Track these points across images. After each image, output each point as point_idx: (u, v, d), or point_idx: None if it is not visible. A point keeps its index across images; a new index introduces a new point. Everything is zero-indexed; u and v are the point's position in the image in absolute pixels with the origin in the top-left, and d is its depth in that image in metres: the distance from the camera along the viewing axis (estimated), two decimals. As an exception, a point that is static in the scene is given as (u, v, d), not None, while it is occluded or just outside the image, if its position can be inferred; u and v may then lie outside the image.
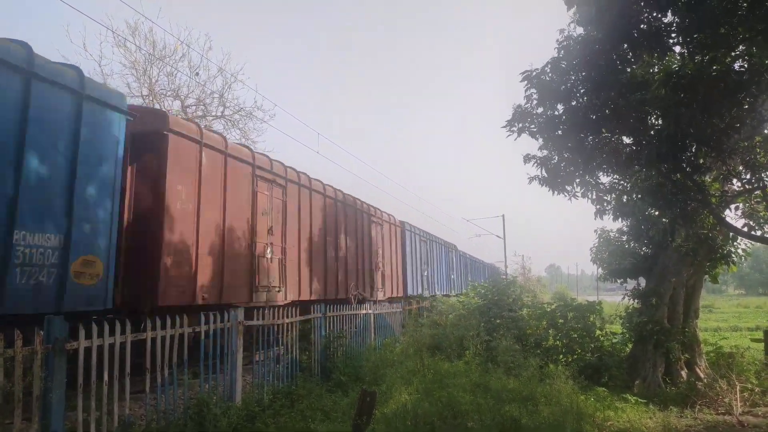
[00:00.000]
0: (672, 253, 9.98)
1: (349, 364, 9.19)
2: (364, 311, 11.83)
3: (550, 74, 6.92)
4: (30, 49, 6.08)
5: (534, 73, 7.00)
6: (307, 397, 7.32)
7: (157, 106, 18.42)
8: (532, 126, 7.33)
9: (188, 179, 8.51)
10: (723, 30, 5.57)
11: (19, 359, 4.01)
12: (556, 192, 7.64)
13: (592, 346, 10.76)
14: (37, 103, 6.02)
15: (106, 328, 4.96)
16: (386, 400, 6.81)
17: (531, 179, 7.83)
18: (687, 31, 5.75)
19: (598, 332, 11.16)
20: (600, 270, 12.14)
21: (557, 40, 6.91)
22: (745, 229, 8.76)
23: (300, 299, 11.66)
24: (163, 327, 5.73)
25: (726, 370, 8.65)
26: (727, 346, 11.08)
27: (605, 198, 7.96)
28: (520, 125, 7.37)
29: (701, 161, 6.99)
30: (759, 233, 8.82)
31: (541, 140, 7.53)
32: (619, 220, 10.64)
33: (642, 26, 5.90)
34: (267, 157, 11.41)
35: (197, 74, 20.59)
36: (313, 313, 9.37)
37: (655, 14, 5.96)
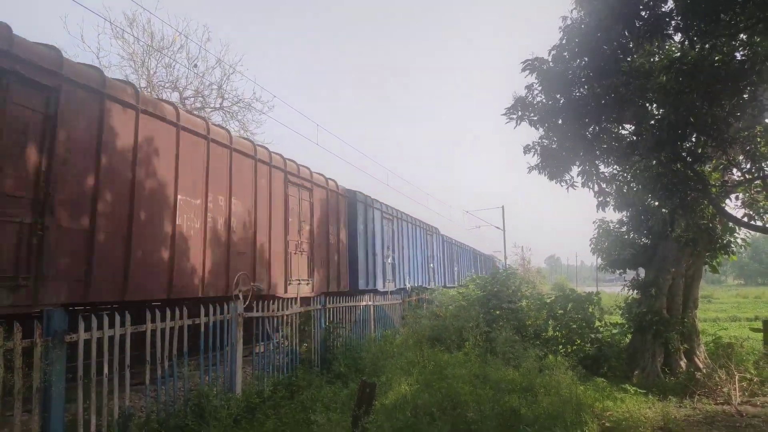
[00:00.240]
0: (671, 244, 9.96)
1: (349, 356, 9.23)
2: (363, 303, 11.85)
3: (551, 63, 6.87)
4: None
5: (536, 63, 6.94)
6: (308, 389, 7.34)
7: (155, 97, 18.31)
8: (533, 114, 7.29)
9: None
10: (723, 18, 5.52)
11: (19, 351, 4.01)
12: (555, 180, 7.61)
13: (592, 336, 10.78)
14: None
15: (106, 320, 4.97)
16: (386, 391, 6.82)
17: (531, 168, 7.80)
18: (687, 18, 5.69)
19: (597, 323, 11.18)
20: (599, 260, 12.12)
21: (560, 27, 6.84)
22: (745, 219, 8.73)
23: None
24: (163, 319, 5.74)
25: (725, 360, 8.66)
26: (726, 336, 11.10)
27: (606, 189, 7.92)
28: (520, 113, 7.33)
29: (701, 150, 6.95)
30: (759, 223, 8.80)
31: (541, 130, 7.49)
32: (620, 211, 10.67)
33: (642, 13, 5.84)
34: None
35: (195, 66, 20.55)
36: (313, 305, 9.39)
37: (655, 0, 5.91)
